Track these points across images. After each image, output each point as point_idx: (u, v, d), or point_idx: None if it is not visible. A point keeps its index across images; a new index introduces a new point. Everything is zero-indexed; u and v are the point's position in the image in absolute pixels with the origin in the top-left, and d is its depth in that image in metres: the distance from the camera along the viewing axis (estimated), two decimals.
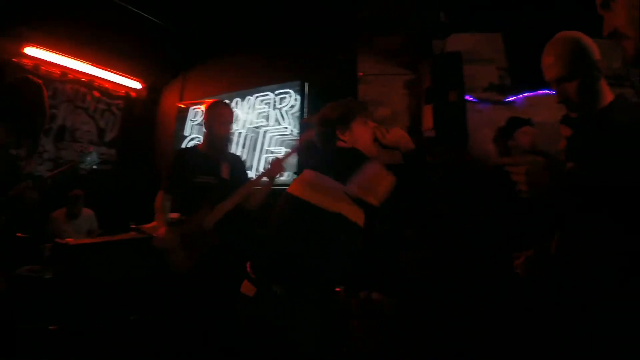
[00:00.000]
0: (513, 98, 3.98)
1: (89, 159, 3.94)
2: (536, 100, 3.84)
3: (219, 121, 3.10)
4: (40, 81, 2.78)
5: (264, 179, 3.06)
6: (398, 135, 2.15)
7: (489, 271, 3.26)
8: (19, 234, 4.62)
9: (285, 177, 5.12)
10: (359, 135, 2.14)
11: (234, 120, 3.24)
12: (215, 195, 2.93)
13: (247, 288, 1.89)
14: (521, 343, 2.63)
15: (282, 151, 5.23)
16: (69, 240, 3.99)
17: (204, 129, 3.17)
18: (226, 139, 3.21)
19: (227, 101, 5.14)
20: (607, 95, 1.73)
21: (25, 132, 2.63)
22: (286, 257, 1.87)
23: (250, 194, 3.02)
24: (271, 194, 3.05)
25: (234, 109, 5.81)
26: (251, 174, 5.44)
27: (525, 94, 3.91)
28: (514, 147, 3.19)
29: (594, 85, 1.71)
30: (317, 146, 2.30)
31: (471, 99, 3.96)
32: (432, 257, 3.91)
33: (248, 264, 1.95)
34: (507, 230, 3.01)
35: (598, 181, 1.55)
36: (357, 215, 1.93)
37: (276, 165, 3.05)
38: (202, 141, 3.21)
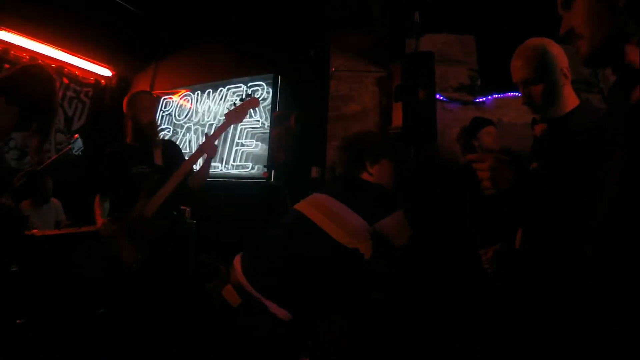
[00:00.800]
0: (482, 99, 4.05)
1: (76, 145, 3.87)
2: (505, 102, 3.91)
3: (141, 108, 3.01)
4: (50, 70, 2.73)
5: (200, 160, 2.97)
6: None
7: (458, 268, 3.31)
8: None
9: (255, 170, 5.13)
10: (385, 173, 2.19)
11: (157, 107, 3.18)
12: (151, 183, 2.85)
13: (231, 295, 1.82)
14: (494, 341, 2.67)
15: (252, 144, 5.22)
16: (35, 231, 3.90)
17: (128, 122, 3.05)
18: (152, 125, 3.09)
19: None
20: (573, 100, 1.81)
21: (37, 117, 2.55)
22: (291, 280, 1.82)
23: (189, 177, 2.96)
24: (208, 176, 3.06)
25: (206, 101, 5.80)
26: (221, 167, 5.45)
27: (495, 96, 3.98)
28: (478, 146, 3.25)
29: (558, 89, 1.78)
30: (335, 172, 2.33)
31: (441, 98, 4.01)
32: (401, 254, 3.95)
33: (239, 268, 1.89)
34: (475, 227, 3.07)
35: (555, 182, 1.61)
36: (369, 251, 1.99)
37: (209, 144, 2.91)
38: (127, 135, 3.07)
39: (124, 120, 6.72)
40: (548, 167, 1.78)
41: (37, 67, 2.42)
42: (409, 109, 3.72)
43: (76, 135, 3.95)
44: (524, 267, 1.91)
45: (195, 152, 2.91)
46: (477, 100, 4.07)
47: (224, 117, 2.96)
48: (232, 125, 5.26)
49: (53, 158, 3.41)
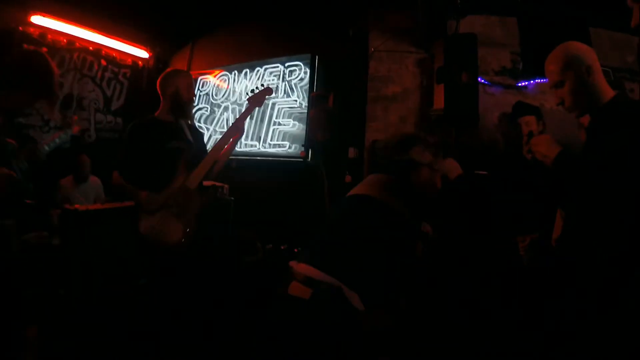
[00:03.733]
0: (525, 83, 4.00)
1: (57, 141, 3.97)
2: (547, 87, 3.84)
3: (184, 86, 3.02)
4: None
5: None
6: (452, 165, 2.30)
7: (494, 256, 3.29)
8: (27, 201, 4.66)
9: (292, 149, 5.16)
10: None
11: None
12: (190, 158, 2.92)
13: (299, 290, 1.80)
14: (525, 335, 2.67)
15: (290, 123, 5.26)
16: (77, 206, 4.00)
17: (165, 96, 3.00)
18: (192, 103, 3.18)
19: None
20: (606, 94, 1.93)
21: (42, 98, 2.62)
22: (354, 255, 1.84)
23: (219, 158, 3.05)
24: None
25: (243, 80, 5.84)
26: (259, 145, 5.51)
27: (537, 80, 3.93)
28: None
29: (584, 87, 1.93)
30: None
31: (483, 81, 3.96)
32: (434, 235, 3.95)
33: (301, 265, 1.88)
34: (514, 214, 3.05)
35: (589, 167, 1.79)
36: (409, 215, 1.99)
37: (238, 125, 3.12)
38: (160, 110, 3.03)
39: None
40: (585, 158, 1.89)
41: (33, 52, 2.50)
42: (451, 92, 3.71)
43: (56, 135, 4.06)
44: (563, 258, 2.00)
45: (228, 130, 3.09)
46: (519, 84, 4.03)
47: (247, 102, 3.21)
48: (269, 106, 5.35)
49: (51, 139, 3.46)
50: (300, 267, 1.85)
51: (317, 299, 1.74)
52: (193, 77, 6.12)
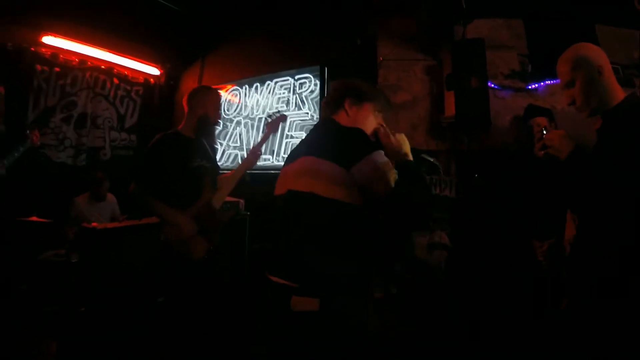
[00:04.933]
0: (535, 85, 3.98)
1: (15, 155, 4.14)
2: (557, 88, 3.81)
3: (215, 106, 3.08)
4: None
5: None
6: (401, 142, 2.02)
7: (511, 259, 3.27)
8: (42, 219, 4.72)
9: None
10: (363, 118, 2.06)
11: None
12: (213, 178, 3.01)
13: (305, 304, 1.72)
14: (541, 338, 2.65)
15: (302, 136, 5.26)
16: (95, 224, 4.05)
17: (194, 114, 3.00)
18: (219, 123, 3.25)
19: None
20: (617, 95, 1.97)
21: None
22: (315, 259, 1.75)
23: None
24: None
25: (254, 95, 5.88)
26: (272, 159, 5.53)
27: (547, 82, 3.90)
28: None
29: (594, 87, 1.96)
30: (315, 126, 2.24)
31: (493, 85, 3.95)
32: (453, 245, 3.94)
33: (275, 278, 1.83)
34: (529, 217, 3.03)
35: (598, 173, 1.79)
36: (355, 199, 1.80)
37: (257, 150, 3.31)
38: (185, 125, 3.02)
39: (174, 113, 6.95)
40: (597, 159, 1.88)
41: None
42: (461, 98, 3.71)
43: (35, 140, 4.21)
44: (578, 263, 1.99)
45: (250, 154, 3.28)
46: (529, 87, 4.00)
47: (266, 128, 3.41)
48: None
49: None
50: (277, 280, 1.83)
51: (328, 308, 1.70)
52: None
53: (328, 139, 1.97)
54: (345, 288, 1.75)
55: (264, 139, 3.39)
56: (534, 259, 2.56)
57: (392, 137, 2.01)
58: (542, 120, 3.12)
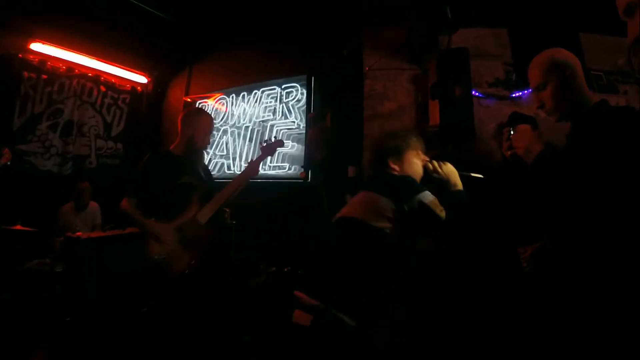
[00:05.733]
0: (519, 93, 4.00)
1: None
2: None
3: (204, 132, 3.17)
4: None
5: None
6: (449, 170, 2.33)
7: (495, 266, 3.29)
8: (27, 228, 4.69)
9: (292, 170, 5.18)
10: (409, 166, 2.34)
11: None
12: (201, 194, 3.06)
13: (301, 318, 1.87)
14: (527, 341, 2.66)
15: (289, 145, 5.26)
16: (80, 234, 4.04)
17: (184, 136, 3.13)
18: (207, 147, 3.33)
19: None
20: (589, 101, 1.97)
21: None
22: (350, 283, 1.89)
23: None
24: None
25: (241, 104, 5.88)
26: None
27: (531, 90, 3.93)
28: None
29: (565, 92, 1.97)
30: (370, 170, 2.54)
31: (477, 94, 3.97)
32: (436, 252, 3.94)
33: (298, 292, 1.96)
34: (513, 226, 3.05)
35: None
36: (395, 231, 2.02)
37: (253, 168, 3.33)
38: (177, 144, 3.15)
39: (162, 121, 6.94)
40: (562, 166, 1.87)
41: None
42: (446, 107, 3.71)
43: (5, 159, 4.20)
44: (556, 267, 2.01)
45: (241, 174, 3.34)
46: (514, 95, 4.03)
47: (260, 151, 3.45)
48: (268, 128, 5.39)
49: None
50: (302, 296, 1.93)
51: (317, 326, 1.81)
52: (191, 100, 6.22)
53: (382, 182, 2.25)
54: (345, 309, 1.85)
55: (259, 160, 3.40)
56: (519, 266, 2.58)
57: (440, 170, 2.33)
58: (526, 127, 3.15)
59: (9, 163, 4.39)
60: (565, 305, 1.93)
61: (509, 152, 2.07)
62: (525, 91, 3.98)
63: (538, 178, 1.94)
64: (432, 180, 2.31)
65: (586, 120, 1.91)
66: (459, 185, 2.30)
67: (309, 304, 1.87)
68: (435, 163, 2.33)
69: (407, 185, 2.15)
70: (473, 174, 2.49)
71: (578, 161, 1.78)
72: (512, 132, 2.07)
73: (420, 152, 2.43)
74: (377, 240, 1.99)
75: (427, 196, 2.09)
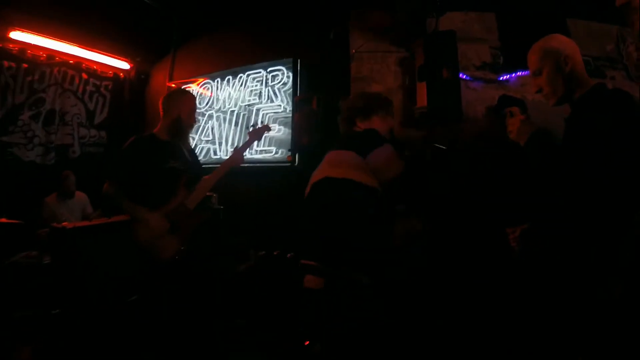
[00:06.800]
0: (506, 77, 4.03)
1: None
2: (529, 79, 3.87)
3: (188, 111, 3.12)
4: None
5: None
6: (412, 135, 2.52)
7: (484, 246, 3.32)
8: (12, 221, 4.62)
9: (279, 154, 5.16)
10: (377, 126, 2.45)
11: None
12: (188, 179, 3.04)
13: (313, 282, 1.97)
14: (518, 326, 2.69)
15: (275, 129, 5.23)
16: (65, 224, 3.98)
17: (167, 116, 3.07)
18: (193, 127, 3.30)
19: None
20: (586, 84, 2.02)
21: None
22: (342, 239, 1.99)
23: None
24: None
25: (226, 88, 5.82)
26: (246, 152, 5.47)
27: (519, 73, 3.96)
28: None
29: (560, 77, 2.03)
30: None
31: (465, 77, 3.99)
32: (424, 231, 3.96)
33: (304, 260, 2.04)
34: (501, 205, 3.08)
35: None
36: (369, 180, 2.15)
37: (238, 154, 3.29)
38: (160, 128, 3.09)
39: (145, 108, 6.86)
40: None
41: None
42: (433, 89, 3.75)
43: None
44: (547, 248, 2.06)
45: (228, 160, 3.26)
46: (501, 78, 4.06)
47: (248, 136, 3.45)
48: (254, 112, 5.34)
49: None
50: (305, 262, 2.06)
51: (331, 286, 1.92)
52: (175, 86, 6.14)
53: (347, 138, 2.44)
54: (364, 267, 1.96)
55: (246, 145, 3.40)
56: (507, 246, 2.60)
57: (402, 134, 2.64)
58: (514, 110, 3.17)
59: None
60: (553, 287, 1.98)
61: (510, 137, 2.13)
62: (513, 74, 4.01)
63: (529, 160, 1.98)
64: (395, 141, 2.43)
65: (583, 104, 1.97)
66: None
67: (319, 268, 1.97)
68: (397, 128, 2.57)
69: (368, 138, 2.30)
70: (437, 145, 2.61)
71: (575, 143, 1.83)
72: (509, 117, 2.14)
73: (388, 116, 2.56)
74: (372, 196, 2.12)
75: (388, 149, 2.24)
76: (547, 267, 2.04)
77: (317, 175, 2.32)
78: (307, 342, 2.21)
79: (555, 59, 2.03)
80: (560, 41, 2.09)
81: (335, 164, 2.26)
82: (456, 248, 3.62)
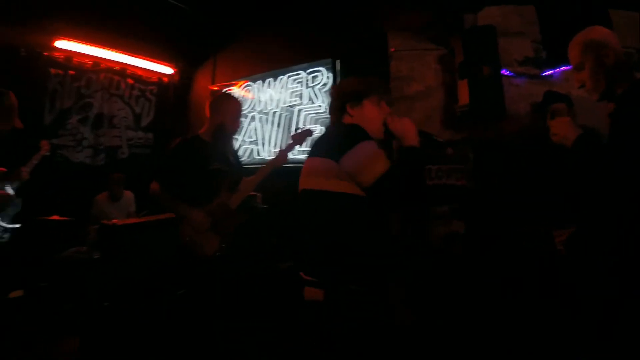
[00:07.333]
0: (550, 72, 3.92)
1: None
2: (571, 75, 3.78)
3: (233, 117, 3.23)
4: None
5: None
6: (406, 126, 2.05)
7: (527, 249, 3.25)
8: (64, 218, 4.81)
9: None
10: (369, 114, 2.12)
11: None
12: (231, 180, 3.15)
13: (313, 293, 1.86)
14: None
15: (316, 129, 5.26)
16: (115, 221, 4.12)
17: (213, 119, 3.19)
18: (237, 132, 3.42)
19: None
20: (630, 78, 1.96)
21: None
22: (331, 249, 1.86)
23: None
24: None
25: (267, 90, 5.90)
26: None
27: (563, 68, 3.85)
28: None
29: (602, 71, 1.97)
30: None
31: (507, 73, 3.91)
32: (466, 234, 3.92)
33: (302, 274, 1.96)
34: (545, 207, 3.01)
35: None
36: (348, 188, 1.87)
37: (282, 156, 3.41)
38: (205, 130, 3.22)
39: (189, 111, 7.02)
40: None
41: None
42: (475, 86, 3.69)
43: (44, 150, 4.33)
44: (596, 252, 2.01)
45: (271, 161, 3.40)
46: (545, 73, 3.95)
47: (291, 139, 3.54)
48: (295, 113, 5.40)
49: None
50: (303, 276, 1.95)
51: (332, 298, 1.81)
52: (217, 89, 6.27)
53: (318, 141, 2.16)
54: (351, 279, 1.82)
55: (289, 149, 3.48)
56: (552, 249, 2.55)
57: (395, 122, 2.06)
58: (561, 107, 3.08)
59: (48, 154, 4.53)
60: (598, 290, 1.94)
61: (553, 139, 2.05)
62: (557, 69, 3.90)
63: (577, 163, 1.94)
64: (391, 135, 2.10)
65: (627, 98, 1.90)
66: (414, 142, 1.99)
67: (317, 282, 1.88)
68: (390, 118, 2.09)
69: (345, 137, 1.97)
70: (435, 137, 2.29)
71: (619, 141, 1.78)
72: (550, 119, 2.07)
73: (383, 103, 2.17)
74: (356, 204, 1.88)
75: (366, 147, 1.88)
76: (597, 273, 1.99)
77: (299, 184, 2.12)
78: None
79: (596, 53, 1.97)
80: (601, 33, 2.04)
81: (309, 174, 2.04)
82: (497, 249, 3.57)
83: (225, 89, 6.32)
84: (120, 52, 6.41)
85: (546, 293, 2.91)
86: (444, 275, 3.69)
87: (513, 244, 3.47)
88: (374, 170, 1.81)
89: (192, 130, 3.80)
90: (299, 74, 5.59)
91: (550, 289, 2.84)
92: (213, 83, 6.76)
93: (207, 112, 3.23)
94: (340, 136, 2.02)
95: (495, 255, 3.55)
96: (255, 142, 6.05)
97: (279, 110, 5.77)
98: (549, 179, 3.20)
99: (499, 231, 3.63)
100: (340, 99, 2.18)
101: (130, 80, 6.69)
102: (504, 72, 3.81)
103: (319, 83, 5.33)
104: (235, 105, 3.28)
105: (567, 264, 2.46)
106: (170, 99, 7.20)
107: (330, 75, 5.19)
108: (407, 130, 2.02)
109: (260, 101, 6.04)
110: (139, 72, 6.82)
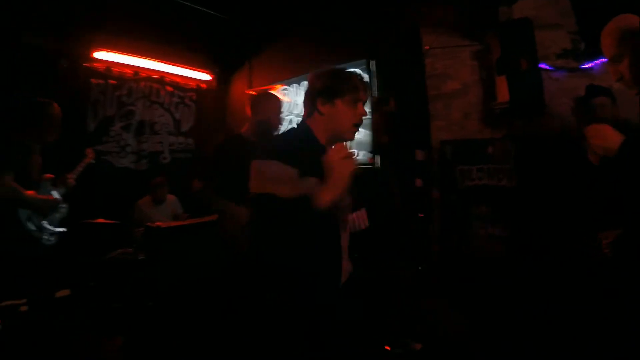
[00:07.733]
0: (590, 64, 3.83)
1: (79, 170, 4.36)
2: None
3: (275, 113, 3.27)
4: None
5: None
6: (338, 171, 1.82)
7: (570, 251, 3.17)
8: (110, 221, 4.97)
9: (360, 156, 5.19)
10: (338, 114, 1.95)
11: None
12: None
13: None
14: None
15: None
16: (159, 223, 4.24)
17: (254, 118, 3.24)
18: (278, 129, 3.38)
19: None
20: None
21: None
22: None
23: None
24: None
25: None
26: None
27: (603, 60, 3.74)
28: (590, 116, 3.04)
29: None
30: None
31: (546, 67, 3.83)
32: (509, 235, 3.87)
33: None
34: (589, 206, 2.93)
35: None
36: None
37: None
38: (248, 129, 3.27)
39: (227, 115, 7.15)
40: None
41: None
42: (513, 82, 3.63)
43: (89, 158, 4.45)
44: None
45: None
46: (584, 66, 3.85)
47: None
48: None
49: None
50: None
51: None
52: (255, 93, 6.35)
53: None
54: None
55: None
56: (598, 251, 2.47)
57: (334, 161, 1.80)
58: (605, 101, 2.99)
59: (93, 161, 4.69)
60: None
61: (592, 157, 1.92)
62: (597, 61, 3.79)
63: (622, 167, 1.78)
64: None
65: None
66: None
67: None
68: (345, 148, 1.83)
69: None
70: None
71: None
72: (585, 129, 1.86)
73: (360, 105, 1.98)
74: (272, 205, 1.78)
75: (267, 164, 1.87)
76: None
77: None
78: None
79: (634, 41, 1.78)
80: (637, 20, 1.84)
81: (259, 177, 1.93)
82: (542, 252, 3.50)
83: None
84: (158, 61, 6.55)
85: (592, 298, 2.84)
86: (489, 279, 3.65)
87: (557, 247, 3.39)
88: (259, 183, 1.89)
89: (231, 133, 3.87)
90: None
91: (597, 293, 2.77)
92: (250, 87, 6.85)
93: (249, 112, 3.29)
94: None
95: (539, 258, 3.49)
96: None
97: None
98: (592, 178, 3.11)
99: (543, 233, 3.56)
100: (312, 91, 2.00)
101: (169, 88, 6.84)
102: (542, 65, 3.73)
103: None
104: (276, 102, 3.34)
105: (614, 267, 2.36)
106: (209, 104, 7.34)
107: (366, 76, 5.19)
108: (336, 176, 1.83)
109: (297, 104, 6.07)
110: (178, 80, 6.96)
